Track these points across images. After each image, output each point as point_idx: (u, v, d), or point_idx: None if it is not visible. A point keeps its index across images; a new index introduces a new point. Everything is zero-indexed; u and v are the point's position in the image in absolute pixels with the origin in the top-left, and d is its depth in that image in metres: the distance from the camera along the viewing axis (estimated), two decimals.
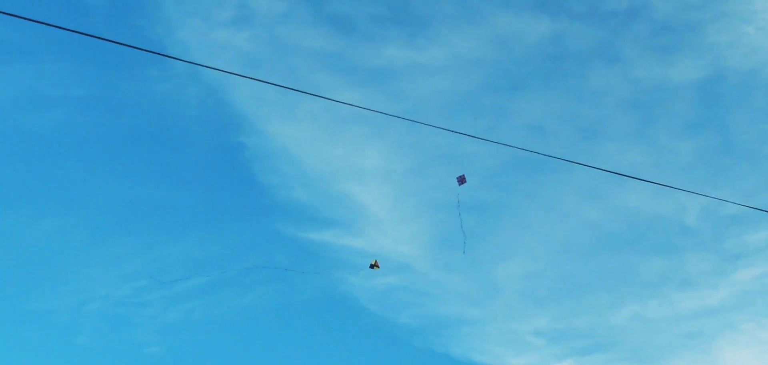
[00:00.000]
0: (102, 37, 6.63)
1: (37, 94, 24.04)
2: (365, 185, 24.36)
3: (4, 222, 22.57)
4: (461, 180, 15.79)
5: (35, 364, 21.74)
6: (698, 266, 23.52)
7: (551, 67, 25.43)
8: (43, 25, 6.12)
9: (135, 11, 24.83)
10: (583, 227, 24.75)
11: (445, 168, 23.34)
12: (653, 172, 25.76)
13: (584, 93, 25.64)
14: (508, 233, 24.81)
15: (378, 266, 17.08)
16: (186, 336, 22.12)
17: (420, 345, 22.57)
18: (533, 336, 22.61)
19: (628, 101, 25.43)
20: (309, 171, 24.56)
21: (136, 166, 24.45)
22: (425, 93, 25.04)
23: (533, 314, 23.26)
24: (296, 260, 23.42)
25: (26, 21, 5.98)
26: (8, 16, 5.84)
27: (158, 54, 11.07)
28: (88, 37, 6.68)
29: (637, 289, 23.58)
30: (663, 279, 23.69)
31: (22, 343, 21.44)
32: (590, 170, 13.55)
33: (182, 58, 14.25)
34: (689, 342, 22.89)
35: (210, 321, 22.40)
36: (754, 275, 22.88)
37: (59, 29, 6.29)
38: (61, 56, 24.59)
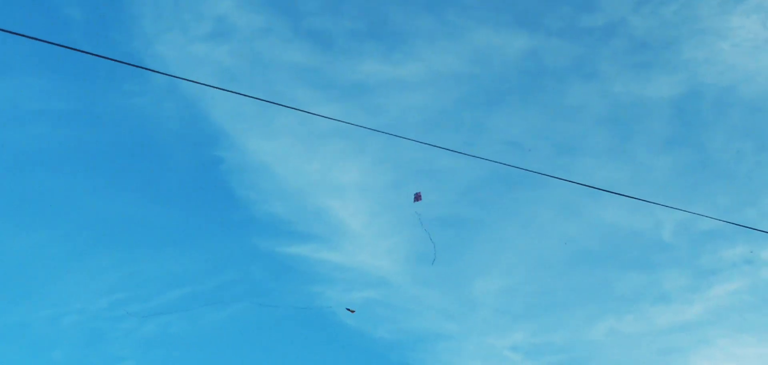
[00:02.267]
0: (81, 49, 6.72)
1: (14, 107, 23.97)
2: (343, 200, 24.42)
3: None
4: (417, 197, 16.17)
5: None
6: (674, 282, 23.59)
7: (529, 83, 25.56)
8: (21, 37, 6.23)
9: (113, 25, 24.72)
10: (559, 243, 24.76)
11: (422, 183, 23.17)
12: (630, 187, 26.06)
13: (562, 109, 25.64)
14: (485, 248, 24.80)
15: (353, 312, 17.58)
16: (163, 351, 22.13)
17: (396, 360, 22.50)
18: (510, 351, 22.61)
19: (605, 116, 25.60)
20: (286, 186, 24.59)
21: (114, 180, 24.40)
22: (403, 108, 25.11)
23: (510, 329, 23.30)
24: (273, 274, 23.84)
25: (4, 33, 6.12)
26: None
27: (137, 66, 11.26)
28: (67, 49, 6.88)
29: (613, 304, 23.67)
30: (639, 294, 23.76)
31: None
32: (567, 185, 13.57)
33: (160, 71, 14.39)
34: (665, 358, 23.00)
35: (187, 336, 22.37)
36: (729, 290, 22.92)
37: (37, 42, 6.45)
38: (39, 70, 24.46)
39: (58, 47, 6.49)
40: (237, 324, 23.00)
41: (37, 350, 21.49)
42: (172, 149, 25.27)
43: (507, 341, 22.83)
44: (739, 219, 19.95)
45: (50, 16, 24.77)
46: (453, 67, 25.50)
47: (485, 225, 25.08)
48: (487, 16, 25.81)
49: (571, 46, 25.57)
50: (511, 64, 25.61)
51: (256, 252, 23.63)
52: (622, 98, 25.35)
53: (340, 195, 24.53)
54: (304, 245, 23.41)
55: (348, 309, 18.11)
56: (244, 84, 25.22)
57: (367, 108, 24.67)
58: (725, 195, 24.32)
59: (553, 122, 25.35)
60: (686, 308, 23.28)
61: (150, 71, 19.43)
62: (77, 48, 6.69)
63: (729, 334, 22.84)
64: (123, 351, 21.55)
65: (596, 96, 25.59)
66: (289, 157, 24.99)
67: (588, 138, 25.41)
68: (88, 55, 6.81)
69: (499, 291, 23.95)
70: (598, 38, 25.63)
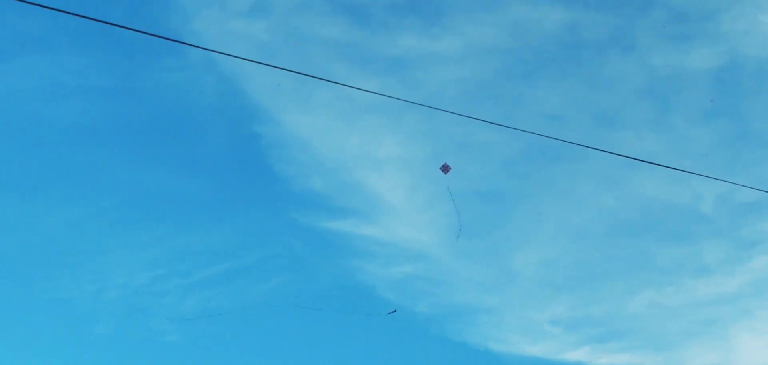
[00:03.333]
0: (120, 24, 6.82)
1: (55, 84, 24.33)
2: (382, 174, 24.63)
3: (23, 212, 22.99)
4: (445, 169, 16.27)
5: (54, 353, 22.17)
6: (714, 254, 23.81)
7: (567, 55, 25.81)
8: (61, 13, 6.16)
9: (151, 1, 25.19)
10: (599, 215, 25.06)
11: (461, 156, 23.84)
12: (669, 159, 26.52)
13: (600, 81, 25.95)
14: (524, 221, 25.11)
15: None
16: (204, 324, 22.53)
17: (436, 334, 22.74)
18: (550, 324, 22.83)
19: (644, 88, 25.74)
20: (325, 160, 24.79)
21: (154, 155, 24.78)
22: (441, 82, 25.29)
23: (550, 302, 23.52)
24: (313, 248, 24.21)
25: (45, 10, 6.08)
26: (27, 3, 6.00)
27: (175, 41, 11.37)
28: (107, 25, 6.87)
29: (653, 276, 23.88)
30: (679, 267, 24.08)
31: (40, 332, 22.04)
32: (606, 157, 13.96)
33: (199, 45, 14.55)
34: (706, 329, 23.24)
35: (228, 309, 22.77)
36: None
37: (77, 17, 6.43)
38: (79, 46, 24.92)
39: (98, 23, 6.46)
40: (278, 297, 23.50)
41: (80, 324, 22.08)
42: (211, 125, 25.58)
43: (547, 314, 23.08)
44: None
45: None
46: (491, 40, 25.74)
47: (524, 198, 25.33)
48: None
49: (610, 18, 25.89)
50: (550, 36, 25.75)
51: (295, 227, 23.82)
52: (661, 70, 25.59)
53: (378, 169, 24.81)
54: (343, 220, 23.59)
55: (391, 312, 18.94)
56: (282, 59, 25.50)
57: (406, 82, 24.82)
58: (766, 166, 24.60)
59: (592, 94, 25.67)
60: (727, 280, 23.47)
61: (188, 46, 19.87)
62: (117, 23, 6.82)
63: None
64: (165, 325, 22.10)
65: (635, 68, 25.82)
66: (328, 132, 25.15)
67: (627, 110, 25.63)
68: (128, 30, 6.91)
69: (538, 263, 24.29)
70: (636, 10, 25.89)
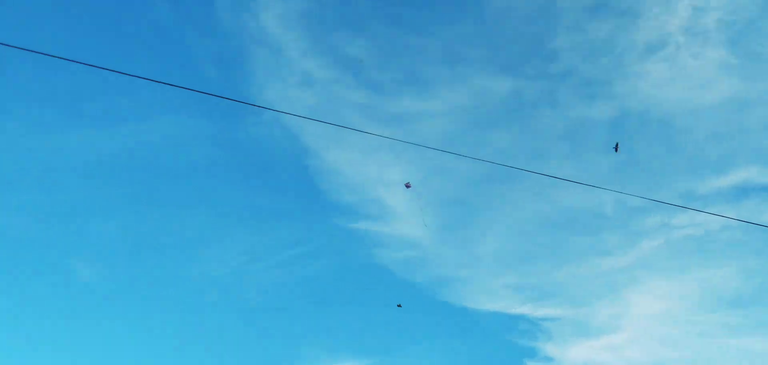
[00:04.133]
0: (223, 96, 12.07)
1: (180, 136, 35.67)
2: (390, 191, 35.05)
3: (161, 219, 34.91)
4: (407, 185, 22.97)
5: (189, 318, 33.31)
6: (613, 241, 34.31)
7: (512, 111, 36.64)
8: (181, 88, 11.17)
9: (237, 78, 36.24)
10: (533, 217, 35.78)
11: (442, 178, 34.76)
12: (581, 178, 38.98)
13: (534, 128, 36.73)
14: (484, 222, 35.90)
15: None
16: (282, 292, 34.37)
17: (428, 296, 33.46)
18: (503, 289, 33.43)
19: (564, 133, 36.40)
20: (353, 182, 35.76)
21: (241, 181, 36.72)
22: (428, 129, 35.97)
23: (503, 274, 34.07)
24: (344, 242, 35.08)
25: (169, 86, 10.94)
26: (159, 83, 12.21)
27: (254, 105, 21.96)
28: (210, 96, 12.36)
29: (571, 257, 34.62)
30: (589, 250, 34.60)
31: (180, 300, 33.10)
32: (539, 178, 20.50)
33: (270, 108, 23.59)
34: (608, 292, 33.74)
35: (293, 284, 34.26)
36: (652, 246, 33.59)
37: (188, 91, 11.74)
38: (191, 110, 35.83)
39: (204, 94, 11.72)
40: (325, 275, 34.85)
41: (197, 295, 33.45)
42: (278, 160, 37.19)
43: (501, 282, 33.70)
44: (658, 196, 28.87)
45: (193, 71, 36.60)
46: (461, 102, 36.51)
47: (484, 207, 36.03)
48: (483, 67, 36.99)
49: (540, 84, 36.24)
50: (500, 99, 36.68)
51: (333, 226, 35.17)
52: (576, 120, 36.10)
53: (388, 188, 35.02)
54: (365, 222, 34.30)
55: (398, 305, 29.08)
56: (323, 115, 36.84)
57: (405, 131, 35.60)
58: (646, 182, 34.47)
59: (529, 137, 36.47)
60: (622, 258, 33.65)
61: (263, 108, 32.07)
62: (220, 95, 11.95)
63: (653, 275, 33.49)
64: (255, 294, 34.02)
65: (557, 119, 36.28)
66: (354, 163, 35.94)
67: (552, 147, 35.86)
68: (224, 99, 12.09)
69: (494, 249, 35.13)
70: (558, 77, 36.06)
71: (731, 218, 27.93)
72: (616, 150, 23.89)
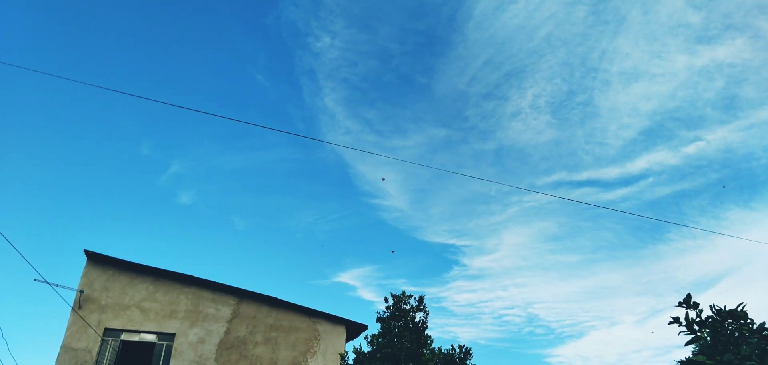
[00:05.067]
0: (307, 136, 19.06)
1: (282, 157, 40.54)
2: (390, 186, 39.38)
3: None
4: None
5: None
6: (495, 208, 37.02)
7: (449, 145, 38.71)
8: (285, 133, 17.82)
9: (312, 129, 40.00)
10: (460, 197, 40.55)
11: (414, 178, 37.42)
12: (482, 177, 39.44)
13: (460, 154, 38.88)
14: (436, 199, 44.09)
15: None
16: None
17: (405, 235, 47.91)
18: (443, 231, 43.50)
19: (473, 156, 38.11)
20: (370, 180, 43.41)
21: (314, 180, 44.34)
22: (406, 154, 38.47)
23: (443, 223, 42.45)
24: (370, 211, 40.37)
25: (279, 132, 17.29)
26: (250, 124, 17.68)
27: (321, 141, 23.68)
28: (302, 137, 18.75)
29: (477, 215, 40.92)
30: (485, 211, 37.27)
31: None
32: (464, 177, 26.92)
33: (329, 142, 26.48)
34: (493, 233, 36.45)
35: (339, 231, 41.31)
36: (514, 210, 35.43)
37: (290, 134, 17.89)
38: (288, 144, 40.98)
39: (298, 136, 17.95)
40: (355, 225, 44.82)
41: (291, 235, 35.02)
42: (331, 170, 44.36)
43: (442, 227, 43.91)
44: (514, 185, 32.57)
45: (290, 125, 41.19)
46: (423, 141, 38.66)
47: (436, 191, 47.55)
48: (430, 124, 38.64)
49: (462, 134, 38.57)
50: (441, 140, 38.40)
51: (359, 203, 50.33)
52: (477, 150, 38.12)
53: (388, 183, 42.78)
54: (375, 199, 42.99)
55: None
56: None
57: (395, 154, 38.06)
58: (510, 178, 36.52)
59: (456, 157, 38.17)
60: (499, 217, 39.37)
61: (325, 143, 33.12)
62: (304, 136, 18.96)
63: (514, 225, 35.97)
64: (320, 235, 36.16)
65: (469, 149, 38.52)
66: (369, 171, 39.30)
67: (468, 162, 38.20)
68: (307, 138, 18.16)
69: (440, 212, 47.27)
70: (469, 130, 38.21)
71: (553, 196, 41.07)
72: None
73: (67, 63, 57.59)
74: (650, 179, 56.83)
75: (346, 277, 66.05)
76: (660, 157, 55.63)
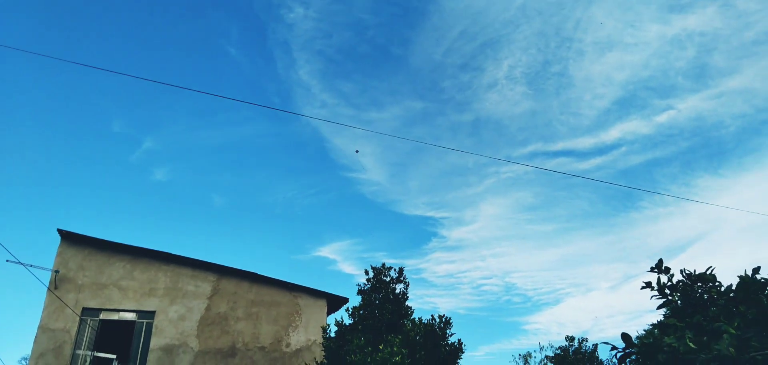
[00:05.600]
0: (282, 109, 18.39)
1: (257, 132, 37.49)
2: (366, 158, 41.89)
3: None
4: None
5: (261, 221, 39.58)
6: (473, 180, 37.95)
7: (427, 117, 39.14)
8: (260, 106, 17.53)
9: (289, 102, 38.06)
10: (438, 169, 43.80)
11: (392, 151, 37.88)
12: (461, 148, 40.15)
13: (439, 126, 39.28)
14: (414, 172, 49.62)
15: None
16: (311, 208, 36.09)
17: (384, 208, 50.99)
18: (421, 204, 50.24)
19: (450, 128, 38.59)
20: (346, 153, 42.96)
21: (290, 154, 39.46)
22: (384, 127, 38.57)
23: (421, 196, 48.35)
24: (348, 185, 40.69)
25: (254, 105, 16.87)
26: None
27: (298, 114, 23.43)
28: (276, 110, 18.45)
29: (454, 188, 49.31)
30: (462, 183, 38.12)
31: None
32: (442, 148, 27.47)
33: (305, 115, 26.25)
34: (471, 204, 37.59)
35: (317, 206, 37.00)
36: (491, 182, 36.56)
37: (264, 107, 17.54)
38: (264, 118, 39.36)
39: (272, 109, 17.75)
40: (331, 200, 44.42)
41: (270, 210, 35.23)
42: (308, 143, 40.12)
43: (420, 200, 48.54)
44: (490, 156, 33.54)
45: (266, 98, 38.43)
46: (398, 114, 38.76)
47: (415, 164, 53.31)
48: (407, 96, 38.76)
49: (437, 106, 38.98)
50: (416, 113, 38.77)
51: (336, 176, 45.60)
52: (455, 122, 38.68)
53: (365, 157, 44.70)
54: (353, 173, 46.65)
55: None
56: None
57: (372, 126, 38.07)
58: (488, 149, 37.35)
59: (435, 130, 38.68)
60: (477, 188, 44.44)
61: (301, 115, 32.60)
62: (279, 108, 18.20)
63: (491, 196, 37.43)
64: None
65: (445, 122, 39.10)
66: (347, 143, 39.32)
67: (445, 135, 38.75)
68: (283, 112, 17.99)
69: (418, 185, 50.63)
70: (445, 102, 38.54)
71: (529, 165, 57.67)
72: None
73: (33, 37, 55.62)
74: (623, 149, 57.98)
75: (326, 251, 66.41)
76: (633, 126, 56.70)
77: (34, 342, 16.55)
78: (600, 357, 23.58)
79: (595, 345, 24.12)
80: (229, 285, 19.04)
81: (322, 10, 62.26)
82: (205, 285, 18.78)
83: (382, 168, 69.13)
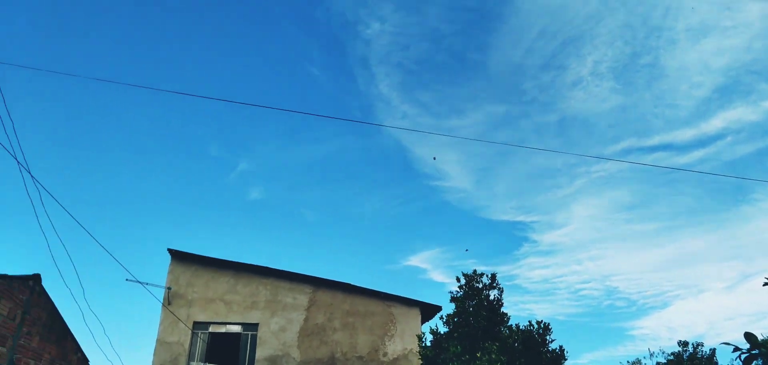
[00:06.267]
0: (366, 122, 18.29)
1: (345, 145, 39.02)
2: (449, 165, 39.23)
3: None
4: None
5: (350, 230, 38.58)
6: (563, 181, 35.19)
7: (508, 121, 37.27)
8: (347, 120, 17.96)
9: (372, 115, 39.35)
10: (525, 171, 38.46)
11: (474, 156, 36.85)
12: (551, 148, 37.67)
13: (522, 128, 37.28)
14: (500, 175, 40.80)
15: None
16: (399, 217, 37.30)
17: (471, 214, 49.58)
18: (510, 208, 40.11)
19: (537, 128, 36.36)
20: (428, 160, 39.24)
21: (375, 164, 40.79)
22: (465, 132, 38.00)
23: (509, 200, 36.03)
24: (425, 191, 40.16)
25: (343, 120, 17.24)
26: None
27: (380, 125, 23.86)
28: (363, 123, 18.66)
29: (543, 190, 36.65)
30: (552, 186, 35.52)
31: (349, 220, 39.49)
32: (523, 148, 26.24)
33: (387, 126, 26.77)
34: (563, 207, 34.65)
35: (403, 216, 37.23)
36: (582, 182, 33.43)
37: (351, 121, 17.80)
38: (350, 132, 40.38)
39: (359, 122, 18.01)
40: (417, 209, 38.37)
41: (358, 221, 36.77)
42: (390, 153, 40.81)
43: (508, 204, 36.25)
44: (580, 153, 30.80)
45: (349, 113, 40.23)
46: (478, 119, 37.77)
47: (499, 166, 47.72)
48: (487, 101, 37.39)
49: (521, 108, 37.04)
50: (499, 117, 37.22)
51: (420, 184, 43.51)
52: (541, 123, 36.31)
53: (447, 164, 42.63)
54: (436, 181, 43.86)
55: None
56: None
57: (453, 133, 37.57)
58: (579, 148, 34.31)
59: (519, 132, 36.86)
60: (567, 189, 39.40)
61: (384, 126, 33.43)
62: (365, 122, 17.99)
63: (584, 197, 34.05)
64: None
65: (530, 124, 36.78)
66: (428, 152, 38.85)
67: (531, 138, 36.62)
68: (367, 123, 18.19)
69: (505, 189, 41.13)
70: (528, 103, 36.45)
71: (627, 162, 52.26)
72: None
73: (129, 70, 60.86)
74: (729, 139, 53.25)
75: (416, 260, 66.60)
76: (738, 114, 51.96)
77: (154, 354, 17.90)
78: (718, 363, 21.64)
79: (713, 350, 22.17)
80: (324, 296, 19.56)
81: (397, 23, 62.98)
82: (302, 297, 19.42)
83: (467, 175, 68.31)
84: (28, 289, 15.74)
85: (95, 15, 60.34)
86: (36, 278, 16.17)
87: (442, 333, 17.03)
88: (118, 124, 63.15)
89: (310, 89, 70.02)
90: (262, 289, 19.37)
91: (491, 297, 17.68)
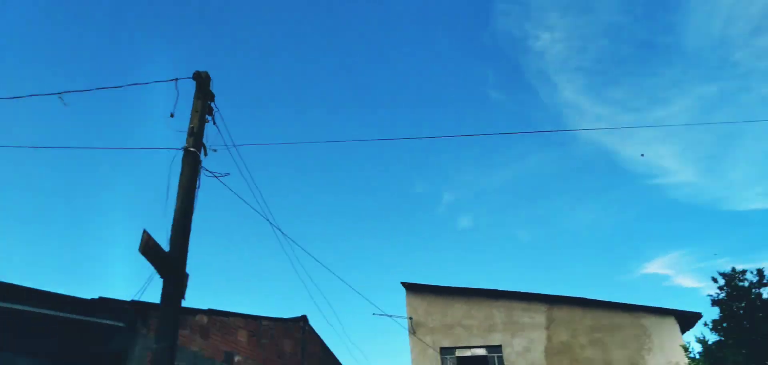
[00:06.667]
0: (558, 129, 17.76)
1: (522, 175, 40.24)
2: (664, 159, 35.62)
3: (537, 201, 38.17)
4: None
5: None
6: None
7: None
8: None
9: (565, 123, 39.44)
10: None
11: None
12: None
13: None
14: (736, 157, 31.94)
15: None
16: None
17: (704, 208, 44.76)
18: (755, 195, 29.14)
19: None
20: (634, 158, 36.41)
21: (576, 172, 38.90)
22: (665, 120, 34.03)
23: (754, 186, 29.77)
24: (642, 190, 37.23)
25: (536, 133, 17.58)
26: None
27: (574, 130, 23.10)
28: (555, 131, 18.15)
29: None
30: None
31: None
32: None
33: (584, 128, 26.01)
34: None
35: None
36: None
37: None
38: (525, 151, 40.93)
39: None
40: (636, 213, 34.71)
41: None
42: (594, 155, 38.90)
43: (753, 191, 29.50)
44: None
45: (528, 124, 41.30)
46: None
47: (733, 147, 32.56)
48: None
49: None
50: None
51: (635, 184, 37.30)
52: None
53: (663, 158, 35.65)
54: (653, 179, 35.38)
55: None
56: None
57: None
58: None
59: None
60: None
61: (580, 130, 32.94)
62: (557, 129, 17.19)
63: None
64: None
65: None
66: (633, 150, 36.20)
67: None
68: (560, 131, 17.36)
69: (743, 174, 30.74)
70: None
71: None
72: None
73: (323, 125, 66.89)
74: None
75: (654, 267, 61.37)
76: None
77: None
78: None
79: None
80: (561, 313, 19.01)
81: (567, 28, 60.26)
82: (538, 316, 19.10)
83: (689, 166, 61.48)
84: (301, 329, 17.83)
85: (281, 74, 68.00)
86: (304, 319, 18.26)
87: (711, 343, 15.44)
88: (333, 180, 69.89)
89: (493, 111, 69.81)
90: (496, 312, 19.48)
91: (765, 296, 15.62)
